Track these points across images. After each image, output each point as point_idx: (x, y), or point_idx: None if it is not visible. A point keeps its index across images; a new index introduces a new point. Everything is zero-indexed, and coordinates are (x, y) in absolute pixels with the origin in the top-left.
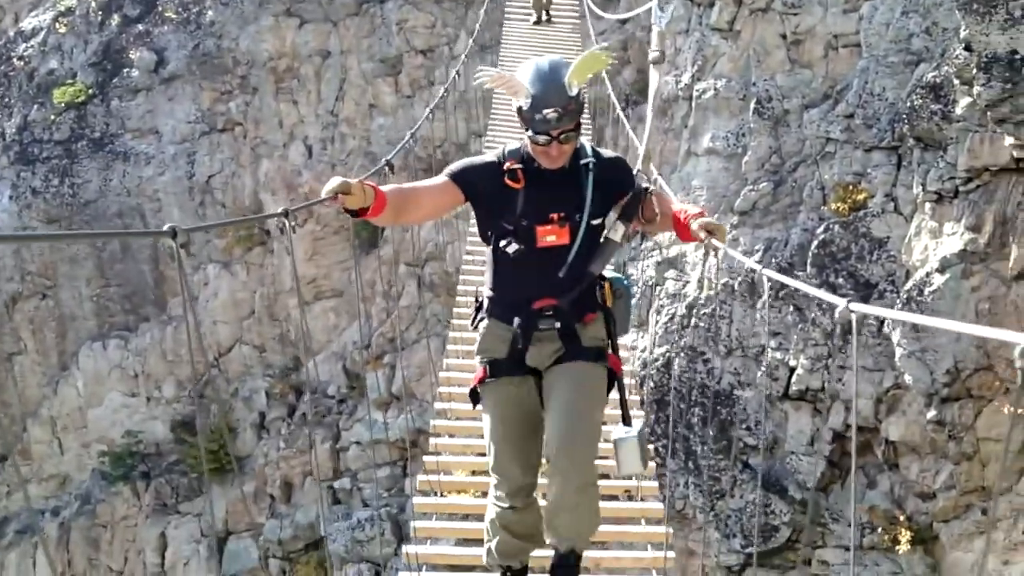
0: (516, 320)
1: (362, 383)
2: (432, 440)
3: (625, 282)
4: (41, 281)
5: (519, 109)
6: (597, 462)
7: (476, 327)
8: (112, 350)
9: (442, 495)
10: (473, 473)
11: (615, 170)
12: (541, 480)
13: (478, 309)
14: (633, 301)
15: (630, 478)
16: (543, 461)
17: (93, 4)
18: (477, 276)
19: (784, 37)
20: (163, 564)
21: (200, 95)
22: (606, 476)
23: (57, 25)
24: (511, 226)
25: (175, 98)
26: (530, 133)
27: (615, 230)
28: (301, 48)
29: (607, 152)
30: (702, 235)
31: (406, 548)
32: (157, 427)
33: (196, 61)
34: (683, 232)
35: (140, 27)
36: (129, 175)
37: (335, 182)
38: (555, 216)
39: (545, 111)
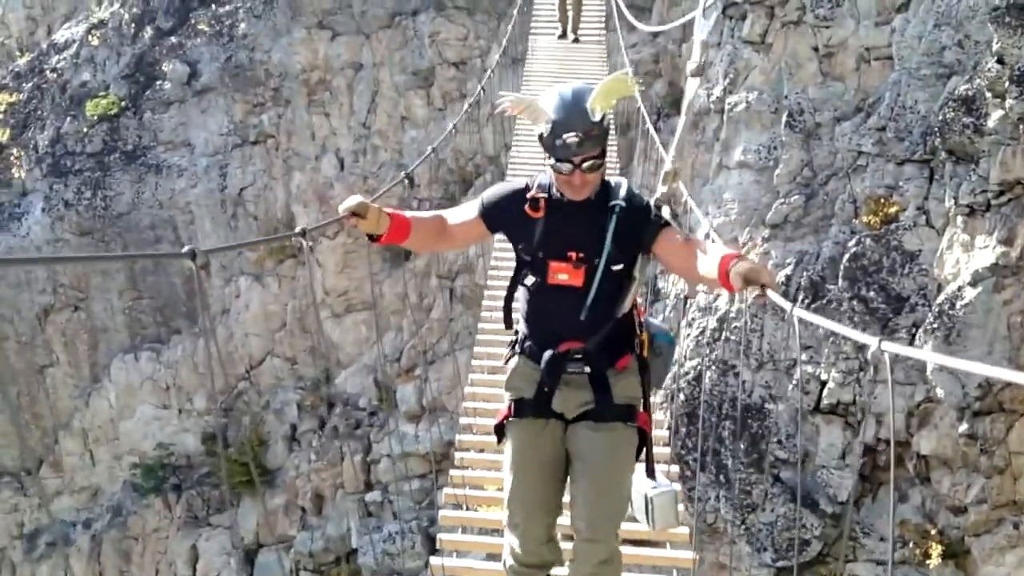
0: (545, 359)
1: (392, 396)
2: (458, 454)
3: (668, 338)
4: (74, 293)
5: (540, 136)
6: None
7: (507, 362)
8: (144, 362)
9: (468, 508)
10: (499, 489)
11: (643, 216)
12: (562, 520)
13: (514, 344)
14: (675, 356)
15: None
16: (567, 520)
17: (126, 16)
18: (501, 291)
19: (816, 50)
20: None
21: (232, 107)
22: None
23: (90, 37)
24: (528, 256)
25: (207, 110)
26: (552, 161)
27: (637, 264)
28: (333, 60)
29: (643, 196)
30: (739, 284)
31: (432, 560)
32: (188, 439)
33: (229, 73)
34: (724, 284)
35: (173, 39)
36: (161, 187)
37: (352, 201)
38: (573, 255)
39: (565, 136)
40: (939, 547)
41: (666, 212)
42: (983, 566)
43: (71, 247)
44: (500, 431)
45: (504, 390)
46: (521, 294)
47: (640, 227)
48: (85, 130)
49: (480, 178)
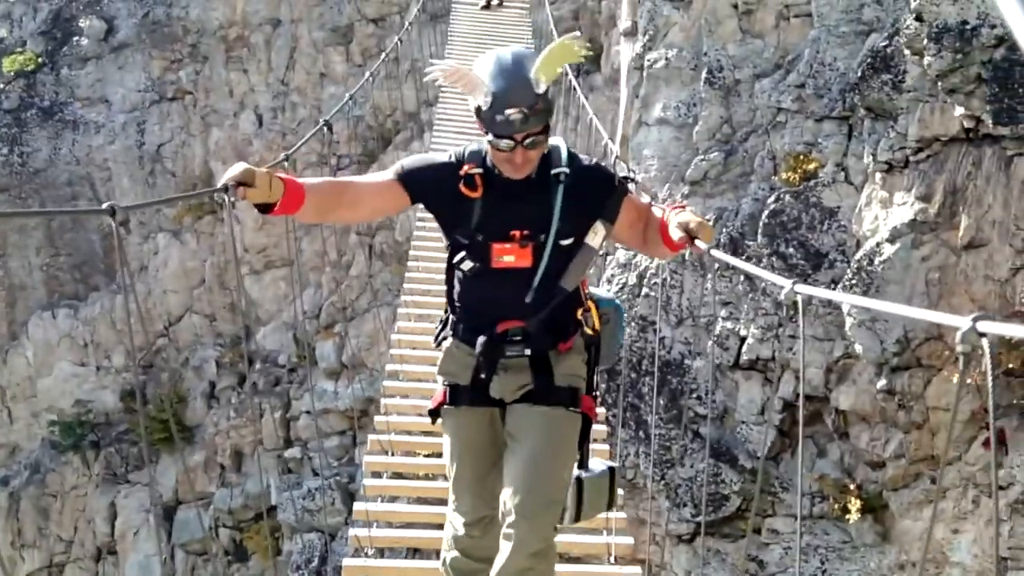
0: (480, 343)
1: (312, 352)
2: (383, 401)
3: (616, 303)
4: None
5: (477, 109)
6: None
7: (439, 345)
8: (62, 319)
9: (393, 455)
10: (425, 434)
11: (593, 182)
12: None
13: (443, 325)
14: (624, 324)
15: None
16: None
17: None
18: (429, 243)
19: (736, 7)
20: (113, 533)
21: (150, 64)
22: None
23: None
24: (466, 239)
25: (125, 67)
26: (490, 137)
27: (594, 233)
28: (251, 17)
29: (586, 159)
30: (678, 236)
31: (356, 506)
32: (107, 397)
33: (146, 29)
34: (666, 240)
35: None
36: (79, 144)
37: (236, 169)
38: (516, 234)
39: (508, 112)
40: (858, 502)
41: (626, 172)
42: (901, 520)
43: None
44: (435, 415)
45: (437, 374)
46: (457, 278)
47: (596, 196)
48: (2, 86)
49: (400, 135)
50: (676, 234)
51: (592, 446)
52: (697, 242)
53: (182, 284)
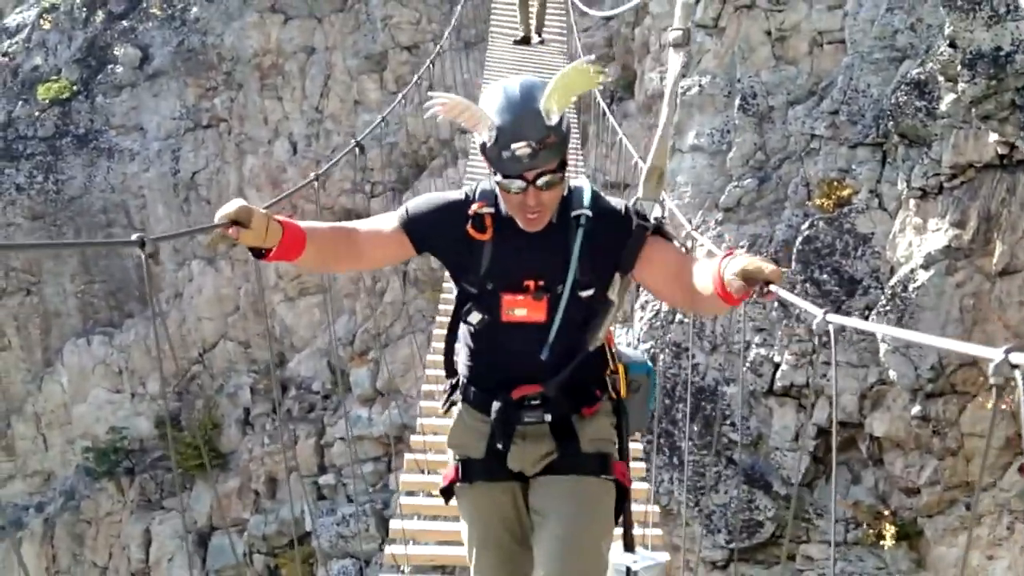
0: (494, 410)
1: (345, 379)
2: (419, 421)
3: (646, 368)
4: (25, 277)
5: (482, 146)
6: None
7: (447, 411)
8: (96, 346)
9: (430, 473)
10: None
11: (617, 226)
12: None
13: (451, 390)
14: (655, 392)
15: None
16: None
17: (78, 0)
18: None
19: (769, 34)
20: (147, 560)
21: (185, 91)
22: None
23: (42, 21)
24: (474, 289)
25: (160, 94)
26: (499, 178)
27: (611, 286)
28: (286, 44)
29: (612, 201)
30: (737, 286)
31: (392, 524)
32: (142, 423)
33: (181, 57)
34: (723, 293)
35: (125, 23)
36: (113, 172)
37: (232, 207)
38: (531, 284)
39: (514, 147)
40: (892, 528)
41: (656, 212)
42: (936, 547)
43: (23, 231)
44: (448, 493)
45: (447, 447)
46: (464, 333)
47: (615, 240)
48: (37, 114)
49: (434, 161)
50: (735, 284)
51: (646, 531)
52: (774, 288)
53: (216, 311)
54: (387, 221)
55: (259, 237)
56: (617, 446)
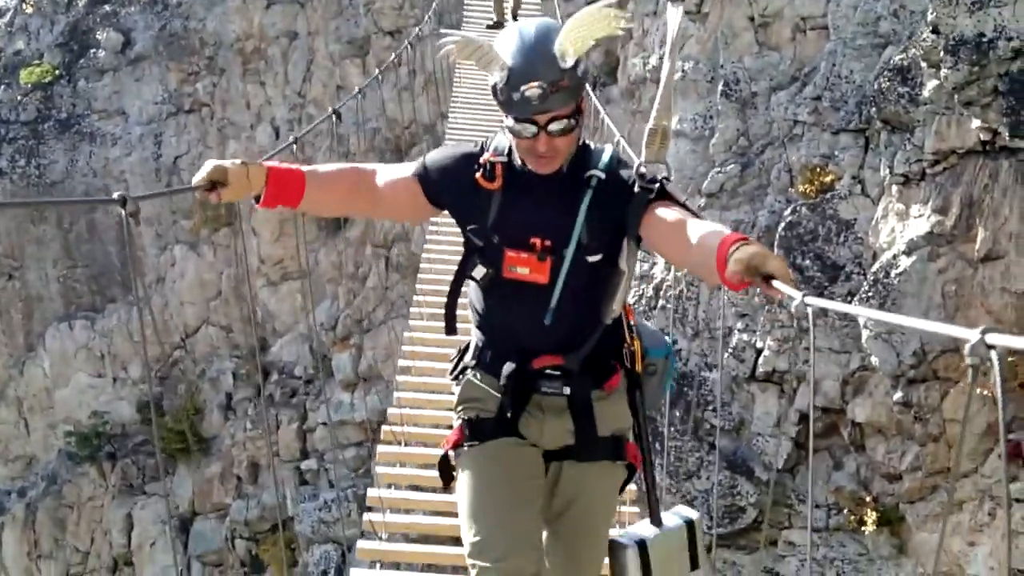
0: (505, 373)
1: (327, 364)
2: (396, 394)
3: (665, 350)
4: (7, 262)
5: (494, 88)
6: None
7: (456, 376)
8: (78, 331)
9: (406, 444)
10: (436, 426)
11: (624, 189)
12: None
13: (461, 354)
14: (672, 374)
15: None
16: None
17: None
18: (439, 255)
19: (752, 20)
20: (129, 544)
21: (167, 76)
22: None
23: (24, 6)
24: (480, 241)
25: (142, 79)
26: (510, 122)
27: (622, 253)
28: (268, 29)
29: (632, 163)
30: (738, 277)
31: (370, 492)
32: (124, 408)
33: (163, 42)
34: (722, 276)
35: (107, 8)
36: (96, 156)
37: (204, 170)
38: (536, 242)
39: (525, 88)
40: (874, 514)
41: (661, 172)
42: (917, 533)
43: (5, 215)
44: (446, 468)
45: (454, 410)
46: (473, 290)
47: (622, 204)
48: (19, 98)
49: (415, 147)
50: (736, 277)
51: (622, 508)
52: (777, 284)
53: (198, 296)
54: (405, 169)
55: (243, 188)
56: (630, 428)
